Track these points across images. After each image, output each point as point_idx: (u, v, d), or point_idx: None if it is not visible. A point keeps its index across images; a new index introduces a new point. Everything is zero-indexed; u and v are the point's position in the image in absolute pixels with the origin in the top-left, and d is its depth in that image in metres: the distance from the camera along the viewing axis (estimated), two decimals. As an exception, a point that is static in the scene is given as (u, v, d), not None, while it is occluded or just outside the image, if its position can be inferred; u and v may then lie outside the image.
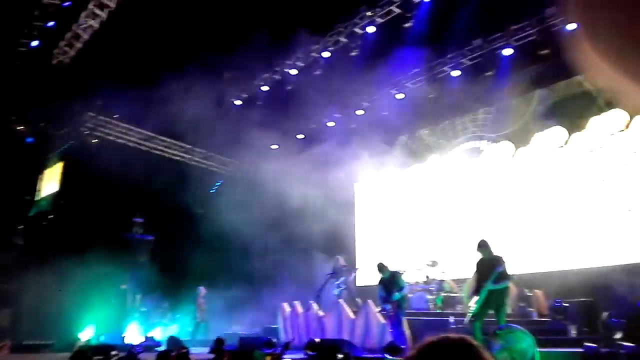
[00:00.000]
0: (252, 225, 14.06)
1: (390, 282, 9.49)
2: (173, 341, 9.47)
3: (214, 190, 15.86)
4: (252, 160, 14.17)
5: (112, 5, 11.43)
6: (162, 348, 9.25)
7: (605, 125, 10.25)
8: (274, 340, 9.57)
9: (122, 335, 11.98)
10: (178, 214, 14.38)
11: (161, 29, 11.12)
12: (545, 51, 10.82)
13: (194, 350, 8.36)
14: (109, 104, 13.86)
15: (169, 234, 14.34)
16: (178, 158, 15.99)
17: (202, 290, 12.83)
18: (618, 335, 6.90)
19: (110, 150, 13.84)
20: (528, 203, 11.19)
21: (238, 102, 14.82)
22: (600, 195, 10.02)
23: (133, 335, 12.43)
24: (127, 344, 10.05)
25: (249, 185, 14.06)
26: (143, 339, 11.57)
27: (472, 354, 1.11)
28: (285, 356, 8.20)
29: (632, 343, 6.27)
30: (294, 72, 13.51)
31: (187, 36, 11.46)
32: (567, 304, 8.19)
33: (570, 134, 10.84)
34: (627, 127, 9.85)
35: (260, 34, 11.54)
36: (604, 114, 10.22)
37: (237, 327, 12.72)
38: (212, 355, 8.82)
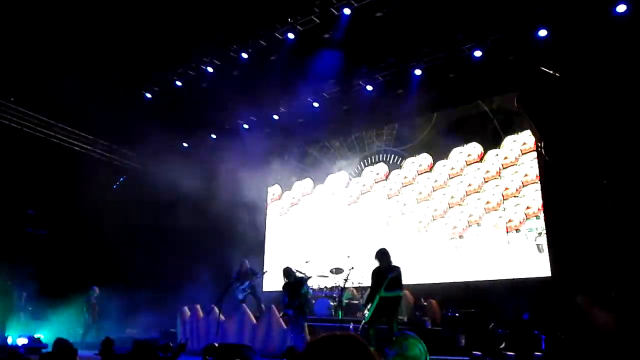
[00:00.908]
0: (156, 224, 13.56)
1: (294, 287, 9.58)
2: (60, 343, 8.86)
3: (116, 186, 15.09)
4: (160, 157, 13.68)
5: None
6: (48, 350, 8.63)
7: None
8: (172, 344, 9.28)
9: (5, 336, 11.05)
10: (75, 209, 13.49)
11: (72, 11, 10.47)
12: (452, 75, 11.58)
13: (82, 352, 7.89)
14: (4, 85, 12.74)
15: (64, 229, 13.43)
16: (78, 149, 15.02)
17: (95, 290, 12.16)
18: (502, 345, 7.45)
19: (3, 136, 12.76)
20: (427, 216, 11.82)
21: (149, 95, 14.22)
22: (483, 216, 10.85)
23: (17, 335, 11.49)
24: (10, 345, 9.28)
25: (154, 183, 13.53)
26: (26, 341, 10.73)
27: (357, 347, 1.15)
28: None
29: (514, 352, 6.81)
30: (210, 69, 13.24)
31: (99, 22, 10.87)
32: (458, 314, 8.73)
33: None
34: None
35: (178, 28, 11.24)
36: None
37: (133, 330, 12.17)
38: (99, 358, 8.38)
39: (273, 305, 9.59)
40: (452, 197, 11.55)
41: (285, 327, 9.09)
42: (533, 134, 10.34)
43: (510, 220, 10.48)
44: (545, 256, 9.62)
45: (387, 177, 12.93)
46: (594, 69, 8.38)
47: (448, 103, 12.03)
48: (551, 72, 9.82)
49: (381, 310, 7.10)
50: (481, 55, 10.77)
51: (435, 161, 12.14)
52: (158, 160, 13.88)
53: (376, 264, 7.50)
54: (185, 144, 15.24)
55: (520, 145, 10.79)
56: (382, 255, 7.44)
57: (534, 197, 10.25)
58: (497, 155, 11.09)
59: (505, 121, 11.07)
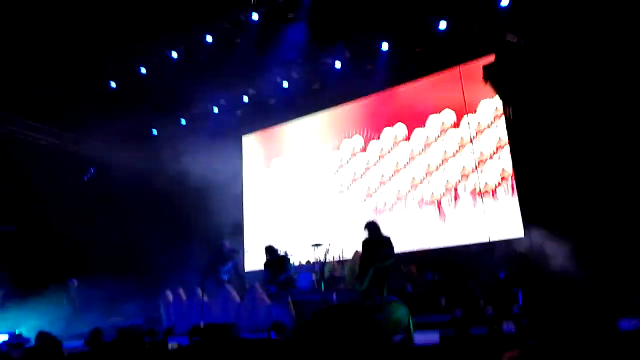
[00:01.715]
0: (135, 212, 13.42)
1: (277, 264, 9.71)
2: (43, 336, 8.76)
3: (87, 177, 14.80)
4: (129, 145, 13.46)
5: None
6: (31, 344, 8.54)
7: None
8: (156, 328, 9.31)
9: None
10: (45, 202, 13.20)
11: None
12: (418, 47, 11.77)
13: (67, 344, 7.84)
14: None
15: (33, 223, 13.14)
16: (45, 142, 14.64)
17: (74, 282, 12.03)
18: (481, 302, 7.75)
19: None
20: (402, 188, 12.04)
21: (113, 84, 13.94)
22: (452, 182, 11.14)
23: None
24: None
25: (129, 172, 13.34)
26: (6, 337, 10.54)
27: (364, 315, 1.23)
28: (169, 342, 8.03)
29: (492, 307, 7.11)
30: (174, 54, 13.07)
31: (57, 13, 10.60)
32: (437, 277, 9.03)
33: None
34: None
35: (139, 14, 11.06)
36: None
37: (117, 319, 12.08)
38: (86, 348, 8.32)
39: (257, 282, 9.69)
40: (429, 164, 11.80)
41: (269, 302, 9.22)
42: (502, 102, 10.63)
43: (486, 184, 10.78)
44: (518, 218, 9.99)
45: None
46: (557, 34, 8.62)
47: (417, 75, 12.19)
48: (515, 40, 10.09)
49: (374, 281, 7.33)
50: (446, 27, 10.99)
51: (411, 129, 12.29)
52: (127, 149, 13.66)
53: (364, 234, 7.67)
54: (154, 131, 15.06)
55: (494, 111, 11.01)
56: (373, 226, 7.62)
57: (506, 160, 10.57)
58: (469, 121, 11.31)
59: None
